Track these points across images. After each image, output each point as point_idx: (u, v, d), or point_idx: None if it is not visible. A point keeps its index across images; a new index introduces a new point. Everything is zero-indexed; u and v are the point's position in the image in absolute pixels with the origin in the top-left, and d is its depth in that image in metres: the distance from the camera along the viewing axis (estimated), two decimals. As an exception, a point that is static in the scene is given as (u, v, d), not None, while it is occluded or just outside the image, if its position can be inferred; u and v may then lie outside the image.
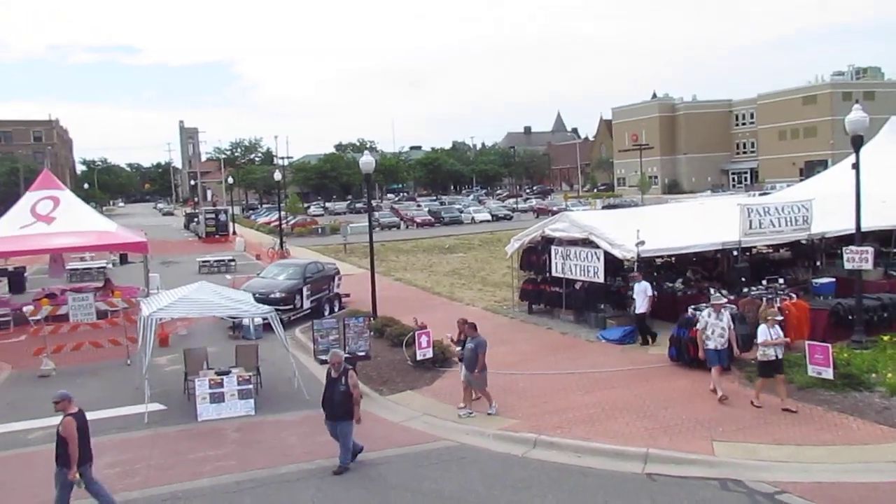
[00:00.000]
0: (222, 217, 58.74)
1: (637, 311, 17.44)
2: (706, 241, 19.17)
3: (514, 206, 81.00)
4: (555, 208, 64.56)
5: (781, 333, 13.11)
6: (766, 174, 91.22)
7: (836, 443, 11.38)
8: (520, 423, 12.88)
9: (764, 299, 16.48)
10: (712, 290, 16.95)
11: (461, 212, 71.74)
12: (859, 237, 16.42)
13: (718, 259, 21.62)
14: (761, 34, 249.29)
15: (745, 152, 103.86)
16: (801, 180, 44.82)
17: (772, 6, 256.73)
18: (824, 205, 20.29)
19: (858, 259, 15.84)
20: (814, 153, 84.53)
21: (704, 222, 20.86)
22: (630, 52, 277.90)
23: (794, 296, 16.79)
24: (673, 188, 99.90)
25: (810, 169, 70.64)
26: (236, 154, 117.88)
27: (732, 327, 13.89)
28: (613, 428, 12.42)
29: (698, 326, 13.89)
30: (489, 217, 69.20)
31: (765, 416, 12.52)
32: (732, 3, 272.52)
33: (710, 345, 13.58)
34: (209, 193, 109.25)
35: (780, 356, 12.94)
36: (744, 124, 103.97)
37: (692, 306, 16.20)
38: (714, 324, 13.63)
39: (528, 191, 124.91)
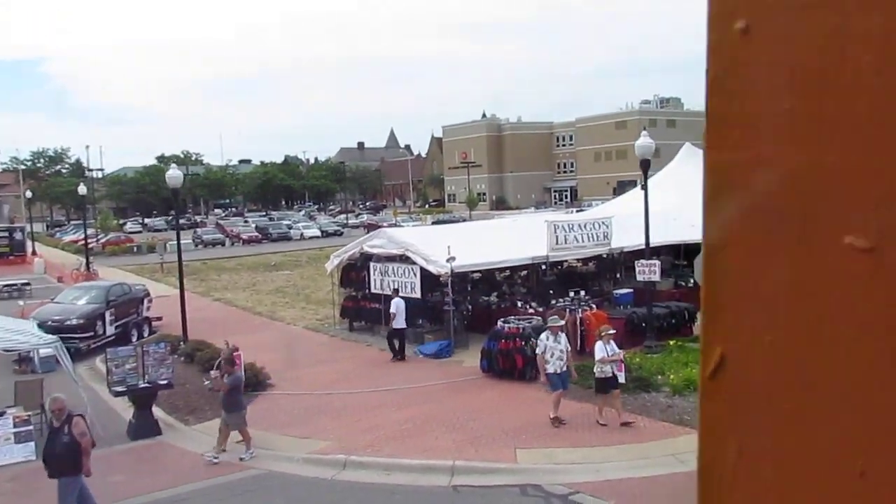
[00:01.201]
0: (18, 235, 53.32)
1: (395, 327, 18.06)
2: (517, 256, 20.02)
3: (346, 221, 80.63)
4: (385, 224, 64.98)
5: (617, 349, 13.33)
6: (585, 192, 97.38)
7: (626, 442, 12.21)
8: (331, 445, 12.67)
9: (568, 310, 17.43)
10: (519, 304, 17.69)
11: (290, 228, 70.25)
12: (648, 252, 17.86)
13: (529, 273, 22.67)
14: (580, 63, 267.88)
15: (565, 172, 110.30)
16: (613, 198, 48.29)
17: (588, 42, 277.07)
18: (625, 222, 21.88)
19: (648, 271, 17.21)
20: (625, 174, 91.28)
21: (518, 238, 21.79)
22: (462, 72, 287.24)
23: (594, 306, 17.90)
24: (500, 205, 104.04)
25: (622, 188, 76.20)
26: (39, 165, 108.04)
27: (570, 349, 13.99)
28: (423, 443, 12.54)
29: (538, 351, 13.56)
30: (319, 233, 68.25)
31: (568, 424, 13.16)
32: (555, 35, 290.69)
33: (550, 368, 13.19)
34: (6, 209, 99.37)
35: (616, 372, 13.24)
36: (564, 145, 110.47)
37: (502, 319, 16.79)
38: (553, 346, 13.26)
39: (360, 206, 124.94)
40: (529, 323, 16.25)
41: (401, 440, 12.70)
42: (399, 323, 18.02)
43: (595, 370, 13.16)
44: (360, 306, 21.65)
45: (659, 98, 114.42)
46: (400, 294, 18.62)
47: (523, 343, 15.40)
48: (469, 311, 19.42)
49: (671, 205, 28.51)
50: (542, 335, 13.65)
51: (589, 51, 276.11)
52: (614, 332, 13.85)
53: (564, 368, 13.31)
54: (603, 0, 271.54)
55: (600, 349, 13.02)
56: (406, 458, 11.85)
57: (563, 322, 14.34)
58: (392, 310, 18.07)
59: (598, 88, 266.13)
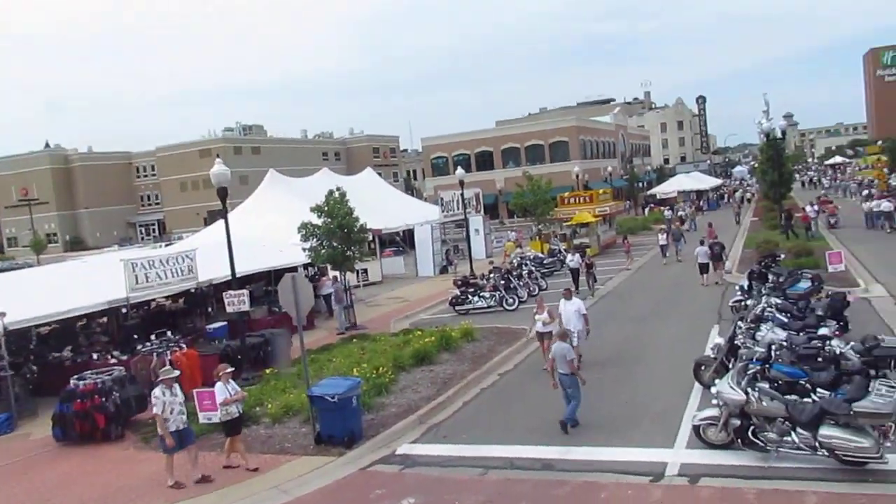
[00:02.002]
0: None
1: None
2: (90, 302, 17.88)
3: None
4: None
5: (239, 388, 12.42)
6: (173, 225, 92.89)
7: (227, 484, 11.55)
8: None
9: (155, 354, 16.12)
10: (95, 356, 15.81)
11: None
12: (235, 282, 17.49)
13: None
14: (156, 90, 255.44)
15: (150, 204, 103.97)
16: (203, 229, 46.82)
17: (164, 66, 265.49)
18: (213, 252, 21.12)
19: (237, 302, 16.82)
20: (215, 203, 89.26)
21: (93, 280, 19.52)
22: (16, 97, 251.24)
23: (184, 346, 16.87)
24: (76, 245, 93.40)
25: (213, 218, 74.61)
26: None
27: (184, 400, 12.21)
28: (-22, 544, 10.28)
29: (155, 410, 11.50)
30: None
31: (163, 480, 11.99)
32: (130, 60, 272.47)
33: (172, 426, 11.43)
34: None
35: (241, 412, 12.32)
36: (146, 176, 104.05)
37: (76, 376, 14.75)
38: (171, 401, 11.50)
39: None
40: (110, 375, 14.54)
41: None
42: None
43: (220, 413, 12.01)
44: None
45: (241, 125, 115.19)
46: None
47: (103, 399, 13.73)
48: (34, 373, 16.72)
49: (261, 231, 28.73)
50: (156, 391, 11.67)
51: (162, 77, 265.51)
52: (233, 370, 12.94)
53: (186, 424, 11.82)
54: (159, 22, 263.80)
55: (221, 391, 12.01)
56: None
57: (178, 373, 12.71)
58: None
59: (178, 116, 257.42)
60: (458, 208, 38.89)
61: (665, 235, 34.02)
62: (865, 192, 50.30)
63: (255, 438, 13.43)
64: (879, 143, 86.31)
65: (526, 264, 30.00)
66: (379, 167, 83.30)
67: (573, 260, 27.55)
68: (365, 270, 34.14)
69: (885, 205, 36.98)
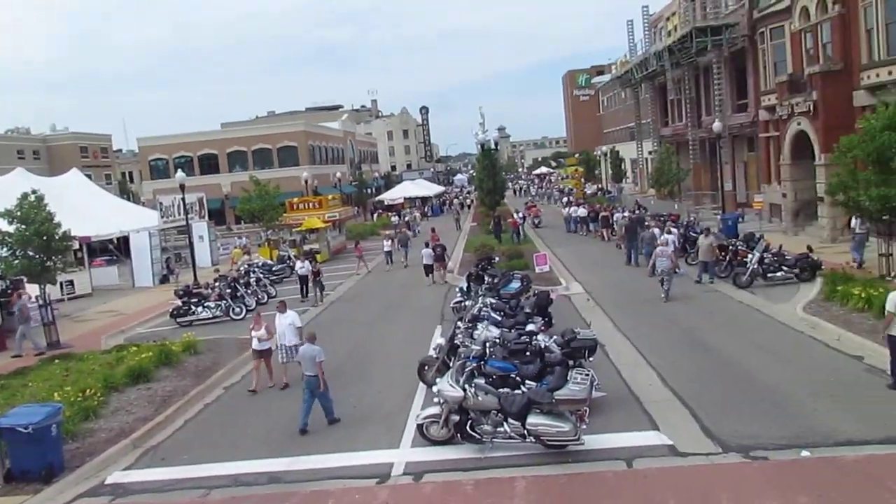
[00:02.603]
0: None
1: None
2: None
3: None
4: None
5: None
6: None
7: None
8: None
9: None
10: None
11: None
12: None
13: None
14: None
15: None
16: None
17: None
18: None
19: None
20: None
21: None
22: None
23: None
24: None
25: None
26: None
27: None
28: None
29: None
30: None
31: None
32: None
33: None
34: None
35: None
36: None
37: None
38: None
39: None
40: None
41: None
42: None
43: None
44: None
45: None
46: None
47: None
48: None
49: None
50: None
51: None
52: None
53: None
54: None
55: None
56: None
57: None
58: None
59: None
60: (179, 213, 36.59)
61: (390, 242, 35.14)
62: (566, 199, 56.82)
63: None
64: (576, 155, 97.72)
65: (254, 271, 29.14)
66: (88, 168, 75.60)
67: (303, 267, 27.29)
68: (70, 282, 30.67)
69: (581, 211, 42.27)
